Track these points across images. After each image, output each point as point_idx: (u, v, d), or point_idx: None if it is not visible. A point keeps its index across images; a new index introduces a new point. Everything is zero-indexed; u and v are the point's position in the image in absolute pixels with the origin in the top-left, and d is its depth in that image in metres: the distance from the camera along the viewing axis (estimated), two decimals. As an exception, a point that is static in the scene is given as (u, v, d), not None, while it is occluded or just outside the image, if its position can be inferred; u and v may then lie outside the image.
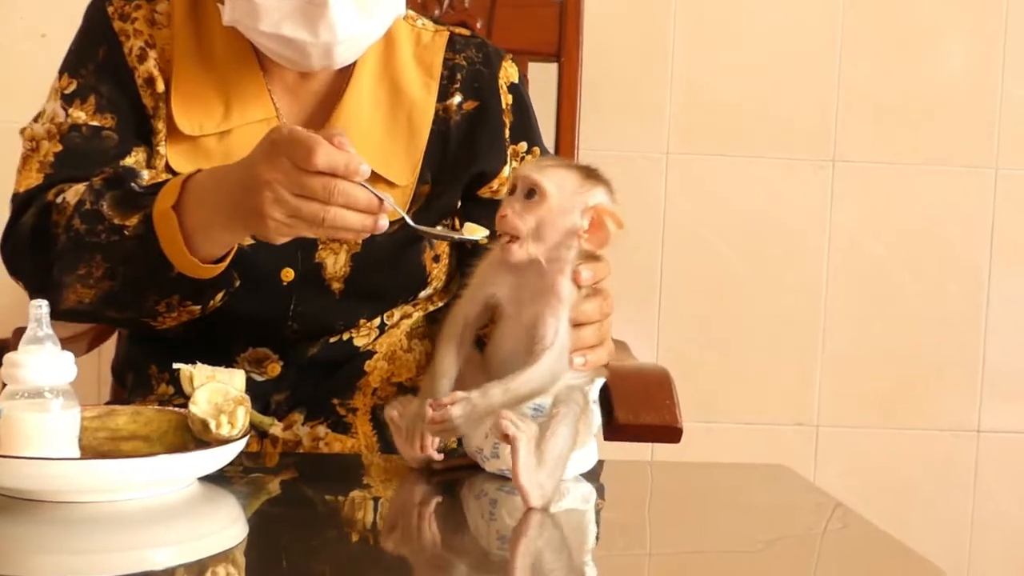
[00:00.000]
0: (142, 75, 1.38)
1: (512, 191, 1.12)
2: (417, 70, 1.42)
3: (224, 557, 0.98)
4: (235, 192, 1.16)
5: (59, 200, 1.30)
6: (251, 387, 1.19)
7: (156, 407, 1.22)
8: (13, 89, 2.17)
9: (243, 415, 1.10)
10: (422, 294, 1.43)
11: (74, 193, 1.29)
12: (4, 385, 1.05)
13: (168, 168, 1.36)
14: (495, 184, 1.45)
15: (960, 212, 2.29)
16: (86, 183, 1.30)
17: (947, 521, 2.32)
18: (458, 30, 1.48)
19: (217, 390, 1.12)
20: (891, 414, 2.30)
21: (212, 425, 1.09)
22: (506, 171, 1.45)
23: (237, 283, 1.30)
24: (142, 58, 1.38)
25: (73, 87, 1.38)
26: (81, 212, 1.27)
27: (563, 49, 1.95)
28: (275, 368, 1.38)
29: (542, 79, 1.96)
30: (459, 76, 1.43)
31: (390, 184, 1.37)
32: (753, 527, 1.12)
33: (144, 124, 1.37)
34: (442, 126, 1.42)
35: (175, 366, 1.16)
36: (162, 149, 1.36)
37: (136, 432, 1.15)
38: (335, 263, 1.37)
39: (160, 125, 1.37)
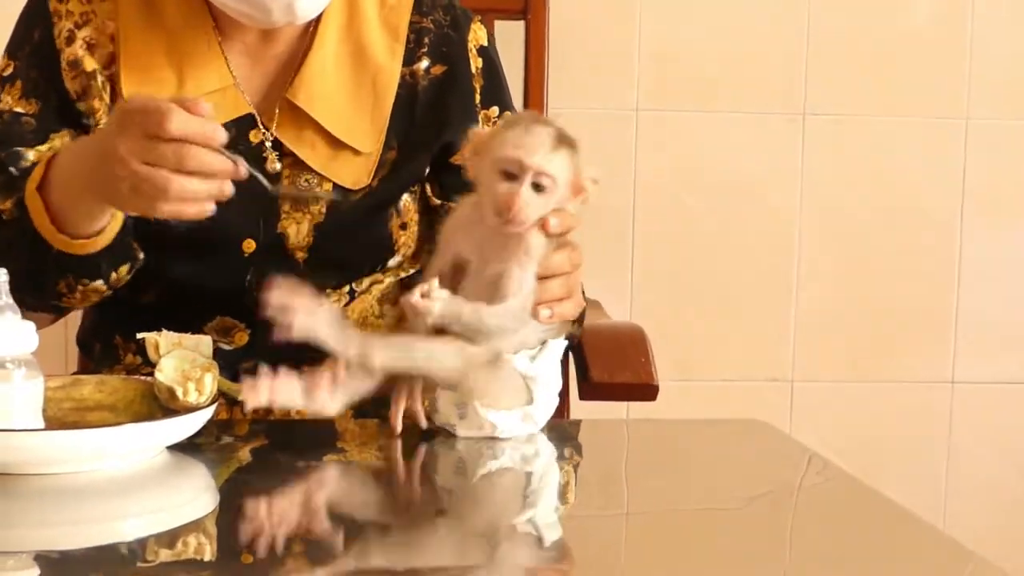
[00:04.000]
0: (67, 58, 1.34)
1: (512, 175, 1.11)
2: (382, 33, 1.39)
3: (195, 526, 0.96)
4: (91, 163, 1.14)
5: None
6: (219, 356, 1.17)
7: (122, 376, 1.20)
8: None
9: (211, 382, 1.08)
10: (391, 262, 1.41)
11: None
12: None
13: None
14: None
15: (931, 163, 2.28)
16: None
17: (922, 472, 2.33)
18: None
19: (184, 357, 1.10)
20: (865, 367, 2.30)
21: (179, 392, 1.08)
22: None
23: (140, 255, 1.28)
24: (70, 40, 1.34)
25: (9, 70, 1.36)
26: None
27: (529, 6, 1.92)
28: (243, 337, 1.36)
29: (509, 37, 1.94)
30: (426, 40, 1.40)
31: (354, 151, 1.35)
32: (732, 483, 1.12)
33: (69, 109, 1.34)
34: (409, 91, 1.38)
35: (139, 335, 1.13)
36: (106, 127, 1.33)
37: (102, 402, 1.13)
38: (297, 233, 1.34)
39: (96, 104, 1.33)
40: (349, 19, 1.38)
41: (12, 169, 1.28)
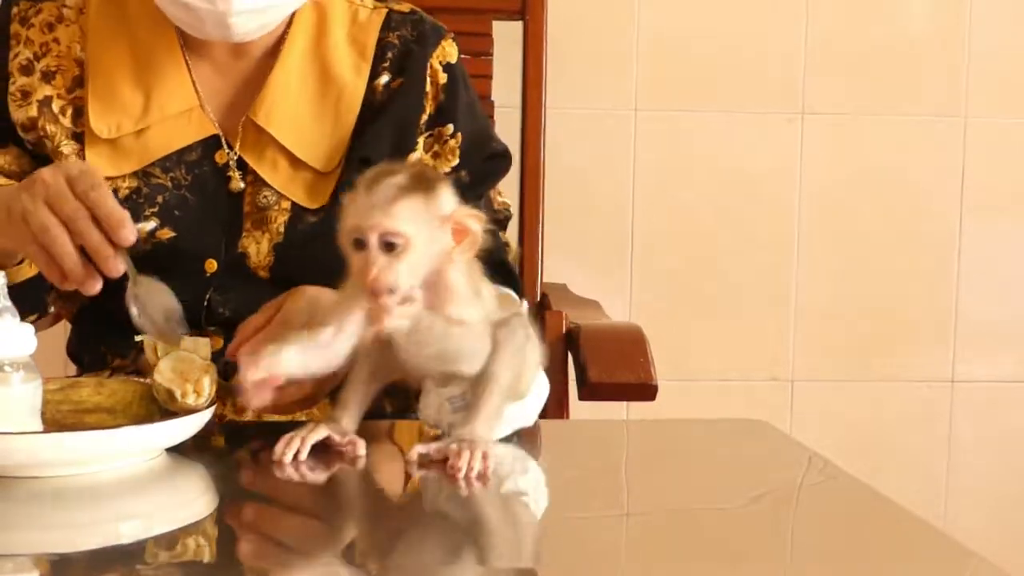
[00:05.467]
0: (18, 86, 1.34)
1: (361, 242, 1.02)
2: (349, 51, 1.38)
3: (195, 528, 0.96)
4: (10, 192, 1.15)
5: None
6: None
7: (121, 378, 1.20)
8: None
9: (209, 384, 1.08)
10: None
11: None
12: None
13: None
14: None
15: (930, 162, 2.28)
16: None
17: (922, 471, 2.33)
18: (398, 6, 1.43)
19: (182, 359, 1.09)
20: (865, 366, 2.30)
21: (178, 394, 1.07)
22: (415, 156, 1.39)
23: (50, 309, 1.33)
24: (26, 70, 1.35)
25: None
26: None
27: (528, 6, 1.92)
28: (219, 343, 1.34)
29: (506, 38, 1.94)
30: (389, 55, 1.39)
31: (315, 170, 1.34)
32: (733, 483, 1.11)
33: (11, 132, 1.35)
34: (369, 107, 1.37)
35: (137, 338, 1.13)
36: (63, 149, 1.33)
37: (100, 404, 1.13)
38: (258, 252, 1.34)
39: (52, 128, 1.33)
40: (317, 37, 1.37)
41: None
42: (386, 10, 1.41)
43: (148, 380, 1.12)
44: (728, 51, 2.23)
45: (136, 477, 1.04)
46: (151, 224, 1.32)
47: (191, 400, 1.07)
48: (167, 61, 1.34)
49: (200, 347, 1.12)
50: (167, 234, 1.32)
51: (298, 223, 1.34)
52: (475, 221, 1.04)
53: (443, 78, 1.40)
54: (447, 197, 1.04)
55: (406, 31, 1.40)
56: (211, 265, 1.34)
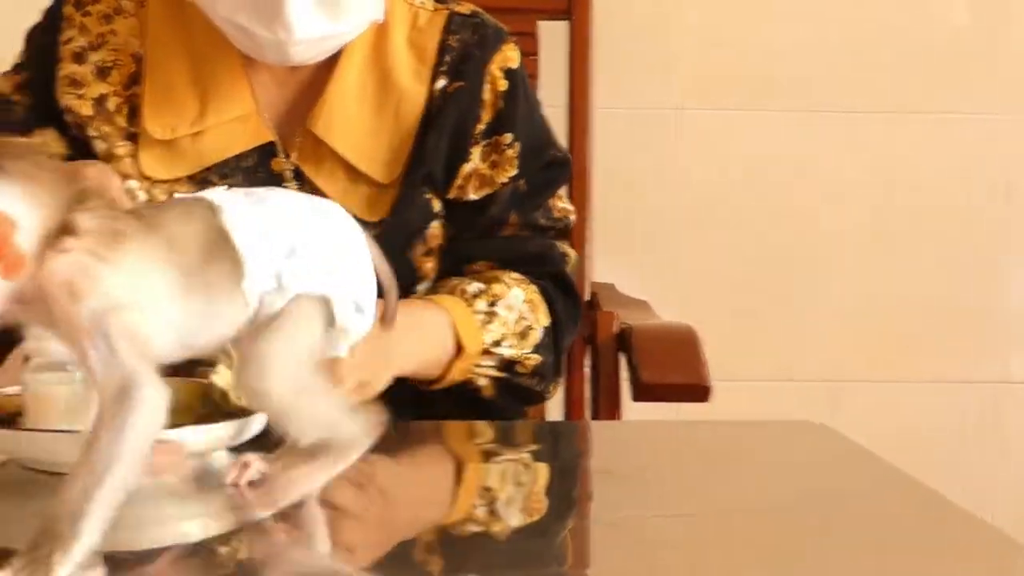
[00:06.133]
0: (67, 71, 1.33)
1: None
2: (410, 56, 1.35)
3: (256, 527, 0.96)
4: None
5: None
6: None
7: (180, 378, 1.20)
8: None
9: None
10: (419, 287, 1.36)
11: None
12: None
13: (141, 175, 1.32)
14: (459, 181, 1.36)
15: (976, 159, 2.26)
16: None
17: (974, 475, 2.31)
18: (460, 8, 1.39)
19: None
20: (917, 367, 2.29)
21: (236, 396, 1.07)
22: (468, 166, 1.36)
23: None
24: (79, 57, 1.34)
25: (19, 57, 1.37)
26: None
27: (573, 5, 1.91)
28: None
29: (551, 38, 1.93)
30: (448, 58, 1.35)
31: (374, 181, 1.32)
32: (788, 484, 1.11)
33: (54, 113, 1.34)
34: (430, 114, 1.34)
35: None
36: (120, 151, 1.32)
37: (160, 404, 1.13)
38: None
39: (107, 128, 1.33)
40: (376, 43, 1.34)
41: None
42: (447, 12, 1.38)
43: (207, 380, 1.12)
44: (774, 50, 2.22)
45: (197, 476, 1.04)
46: None
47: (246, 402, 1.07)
48: (225, 65, 1.32)
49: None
50: None
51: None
52: (1, 224, 0.79)
53: (503, 84, 1.37)
54: None
55: (467, 34, 1.37)
56: None
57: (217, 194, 0.91)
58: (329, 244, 0.93)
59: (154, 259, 0.84)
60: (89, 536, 0.78)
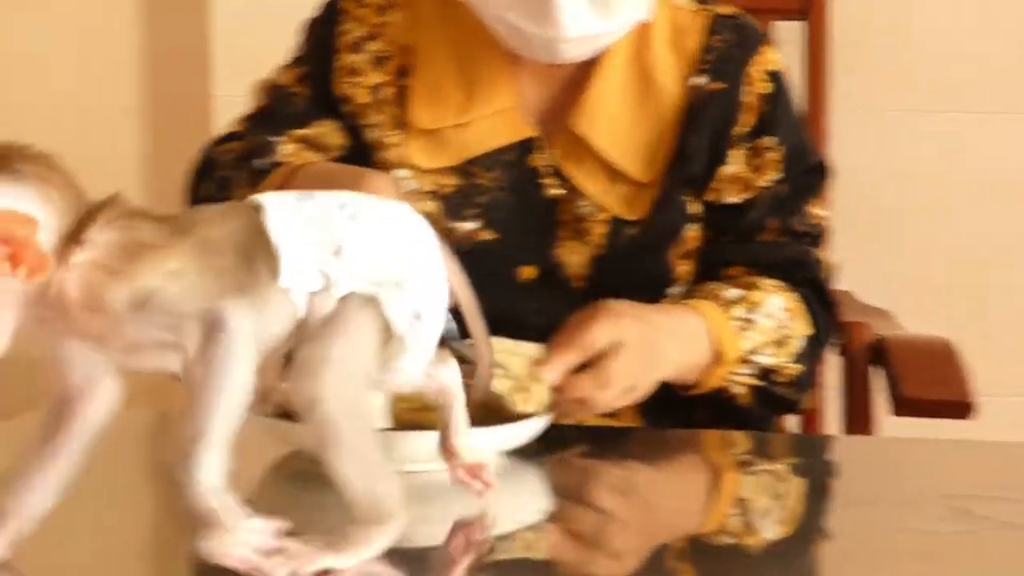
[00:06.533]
0: (344, 62, 1.37)
1: None
2: (671, 56, 1.35)
3: (533, 531, 0.98)
4: (329, 187, 1.15)
5: (215, 157, 1.36)
6: None
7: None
8: (249, 62, 2.22)
9: (541, 392, 1.09)
10: (672, 291, 1.36)
11: (225, 152, 1.35)
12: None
13: (403, 162, 1.34)
14: (716, 183, 1.35)
15: None
16: (239, 147, 1.35)
17: None
18: (722, 9, 1.38)
19: (514, 365, 1.11)
20: None
21: (511, 401, 1.09)
22: (727, 169, 1.35)
23: None
24: (355, 47, 1.37)
25: (297, 51, 1.41)
26: (216, 177, 1.33)
27: (810, 5, 1.88)
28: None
29: (784, 39, 1.90)
30: (709, 59, 1.35)
31: (634, 181, 1.33)
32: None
33: (333, 105, 1.37)
34: (691, 114, 1.34)
35: (467, 342, 1.15)
36: (390, 140, 1.35)
37: (433, 404, 1.15)
38: (576, 263, 1.34)
39: (380, 118, 1.36)
40: (638, 43, 1.34)
41: (256, 162, 1.31)
42: (709, 13, 1.37)
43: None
44: (1014, 50, 2.14)
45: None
46: (472, 224, 1.33)
47: (523, 407, 1.08)
48: (489, 59, 1.34)
49: (530, 354, 1.13)
50: (488, 236, 1.33)
51: (618, 234, 1.33)
52: (20, 225, 0.76)
53: (765, 87, 1.36)
54: None
55: (729, 35, 1.36)
56: (526, 272, 1.34)
57: (263, 195, 0.87)
58: (386, 246, 0.86)
59: (185, 269, 0.81)
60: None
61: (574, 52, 1.30)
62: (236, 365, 0.79)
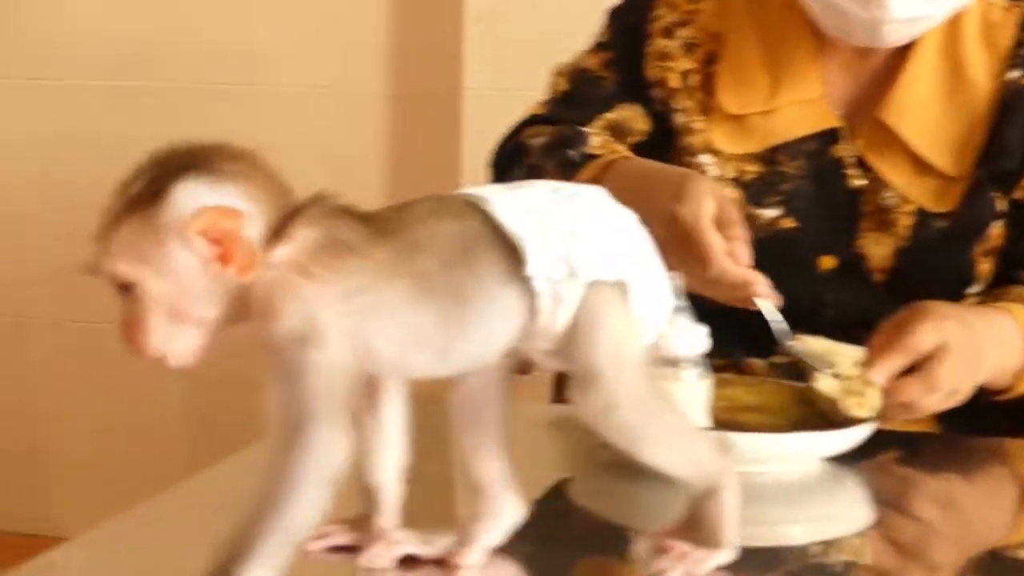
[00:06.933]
0: (656, 47, 1.39)
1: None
2: (981, 50, 1.33)
3: (855, 539, 0.97)
4: (637, 198, 1.14)
5: (525, 143, 1.39)
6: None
7: (772, 380, 1.23)
8: (501, 55, 2.26)
9: (874, 397, 1.08)
10: (971, 289, 1.33)
11: (534, 137, 1.37)
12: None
13: (707, 147, 1.36)
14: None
15: None
16: (549, 134, 1.37)
17: None
18: None
19: (842, 368, 1.10)
20: None
21: (844, 405, 1.08)
22: None
23: None
24: (667, 32, 1.39)
25: (605, 37, 1.43)
26: (527, 164, 1.35)
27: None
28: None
29: None
30: (1022, 53, 1.32)
31: (941, 173, 1.31)
32: None
33: (641, 90, 1.39)
34: (1005, 108, 1.31)
35: (788, 343, 1.15)
36: (696, 126, 1.36)
37: (753, 404, 1.16)
38: (879, 254, 1.32)
39: (688, 103, 1.37)
40: (948, 37, 1.33)
41: (571, 152, 1.34)
42: (1021, 9, 1.35)
43: (801, 384, 1.14)
44: None
45: (792, 481, 1.06)
46: (774, 211, 1.33)
47: (857, 412, 1.08)
48: (796, 48, 1.35)
49: (856, 356, 1.12)
50: (789, 224, 1.33)
51: (924, 227, 1.31)
52: (229, 219, 0.74)
53: None
54: (184, 199, 0.74)
55: None
56: (827, 262, 1.33)
57: (477, 188, 0.82)
58: (612, 227, 0.82)
59: (386, 271, 0.77)
60: None
61: (895, 35, 1.29)
62: (313, 484, 0.74)
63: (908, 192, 1.32)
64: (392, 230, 0.78)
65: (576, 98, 1.42)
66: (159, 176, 0.74)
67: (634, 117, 1.40)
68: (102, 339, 2.59)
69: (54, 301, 2.67)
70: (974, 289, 1.34)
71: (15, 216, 2.69)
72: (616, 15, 1.46)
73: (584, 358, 0.79)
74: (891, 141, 1.32)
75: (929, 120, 1.32)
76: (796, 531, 1.01)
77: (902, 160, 1.32)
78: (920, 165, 1.32)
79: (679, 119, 1.38)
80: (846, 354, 1.13)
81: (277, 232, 0.75)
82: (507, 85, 2.20)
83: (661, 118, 1.39)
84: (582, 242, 0.79)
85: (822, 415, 1.11)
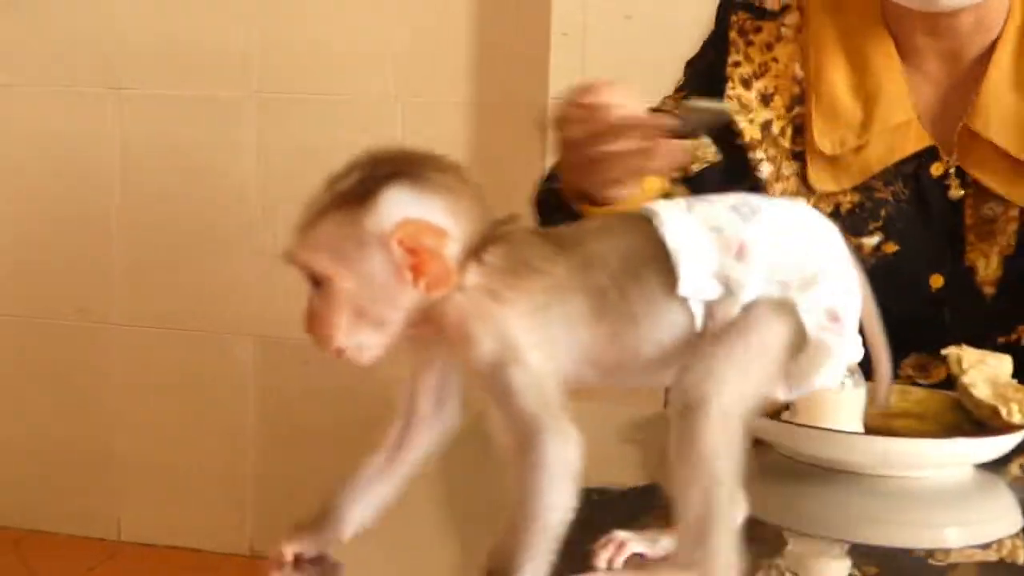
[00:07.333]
0: (735, 94, 1.39)
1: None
2: None
3: (1011, 538, 1.00)
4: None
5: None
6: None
7: (923, 387, 1.26)
8: (586, 69, 2.28)
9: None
10: None
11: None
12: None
13: (808, 188, 1.37)
14: None
15: None
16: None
17: None
18: None
19: (991, 375, 1.13)
20: None
21: (1004, 412, 1.10)
22: None
23: None
24: (745, 83, 1.40)
25: (683, 78, 1.45)
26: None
27: None
28: (941, 372, 1.34)
29: None
30: None
31: None
32: None
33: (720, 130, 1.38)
34: None
35: (943, 351, 1.18)
36: (786, 171, 1.38)
37: (907, 410, 1.19)
38: (986, 267, 1.33)
39: (774, 151, 1.38)
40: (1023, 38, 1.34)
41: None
42: None
43: (953, 393, 1.17)
44: None
45: (945, 485, 1.09)
46: (876, 238, 1.35)
47: (1011, 418, 1.10)
48: (884, 71, 1.36)
49: (1004, 365, 1.15)
50: (891, 248, 1.34)
51: None
52: (432, 236, 0.76)
53: None
54: (391, 206, 0.76)
55: None
56: (937, 280, 1.35)
57: (654, 203, 0.83)
58: (790, 243, 0.81)
59: (564, 287, 0.79)
60: None
61: (953, 1, 1.29)
62: (556, 492, 0.76)
63: (1009, 195, 1.33)
64: (567, 246, 0.80)
65: None
66: (369, 177, 0.77)
67: (701, 146, 1.39)
68: (173, 343, 2.63)
69: (127, 303, 2.70)
70: None
71: (95, 219, 2.71)
72: (692, 63, 1.47)
73: (712, 347, 0.79)
74: (983, 148, 1.33)
75: (1017, 120, 1.32)
76: (952, 534, 1.04)
77: (998, 165, 1.33)
78: (1017, 165, 1.32)
79: (766, 168, 1.39)
80: (988, 362, 1.16)
81: (472, 254, 0.77)
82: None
83: (734, 152, 1.39)
84: (749, 259, 0.79)
85: (973, 421, 1.14)
